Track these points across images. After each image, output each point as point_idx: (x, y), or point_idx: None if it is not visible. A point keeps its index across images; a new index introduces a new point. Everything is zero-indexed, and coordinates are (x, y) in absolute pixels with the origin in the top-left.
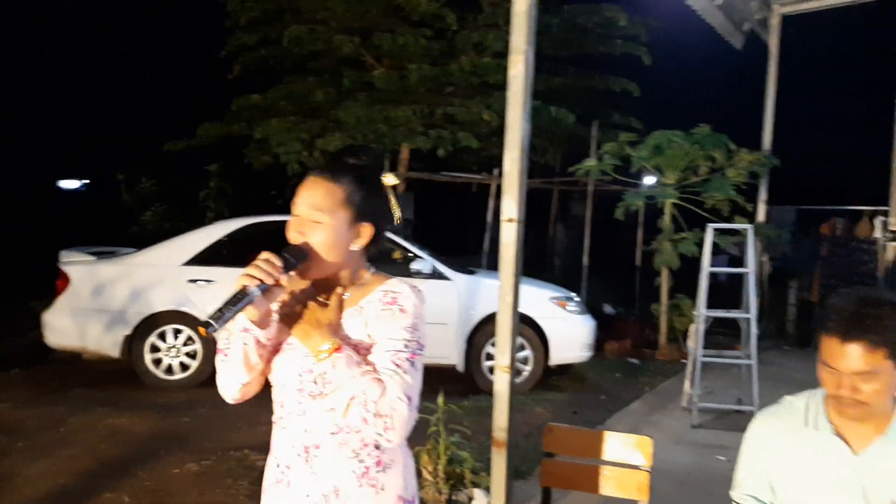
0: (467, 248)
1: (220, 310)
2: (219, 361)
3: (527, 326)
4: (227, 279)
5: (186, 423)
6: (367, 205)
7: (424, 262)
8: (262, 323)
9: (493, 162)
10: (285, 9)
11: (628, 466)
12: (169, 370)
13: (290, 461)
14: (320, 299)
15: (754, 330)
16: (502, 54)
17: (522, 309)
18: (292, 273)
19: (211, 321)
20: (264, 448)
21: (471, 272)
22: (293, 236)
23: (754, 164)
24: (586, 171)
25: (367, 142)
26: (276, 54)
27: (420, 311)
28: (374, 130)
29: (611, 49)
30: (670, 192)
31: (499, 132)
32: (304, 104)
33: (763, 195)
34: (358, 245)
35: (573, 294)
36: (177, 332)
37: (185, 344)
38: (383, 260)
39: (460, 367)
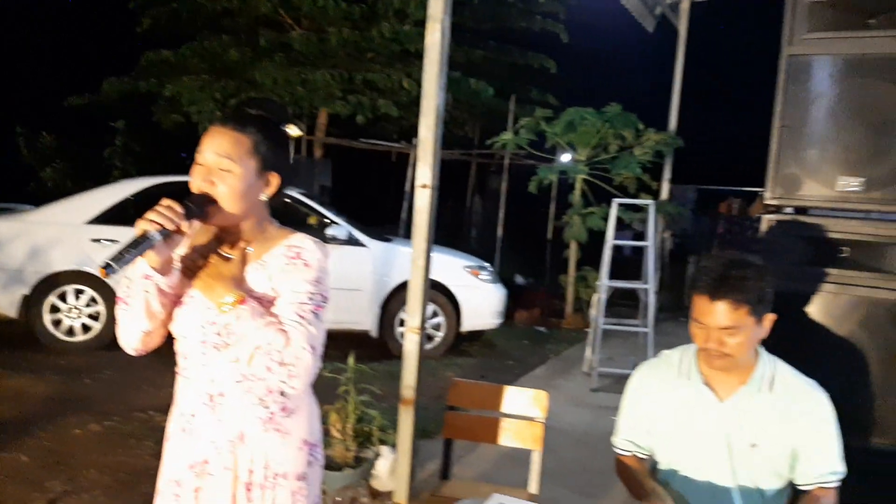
0: (385, 217)
1: (119, 252)
2: (119, 310)
3: (440, 294)
4: None
5: (89, 384)
6: (274, 155)
7: (340, 228)
8: (163, 269)
9: (413, 131)
10: None
11: (525, 419)
12: (70, 332)
13: (195, 409)
14: (223, 253)
15: (652, 299)
16: (423, 23)
17: (437, 277)
18: (195, 221)
19: (111, 262)
20: (167, 409)
21: (387, 240)
22: (199, 185)
23: (660, 144)
24: (503, 144)
25: (285, 104)
26: (190, 9)
27: (324, 265)
28: (291, 93)
29: (530, 25)
30: (581, 168)
31: (418, 101)
32: (217, 63)
33: (667, 174)
34: (266, 195)
35: (486, 264)
36: (78, 293)
37: (87, 305)
38: (299, 224)
39: (374, 332)
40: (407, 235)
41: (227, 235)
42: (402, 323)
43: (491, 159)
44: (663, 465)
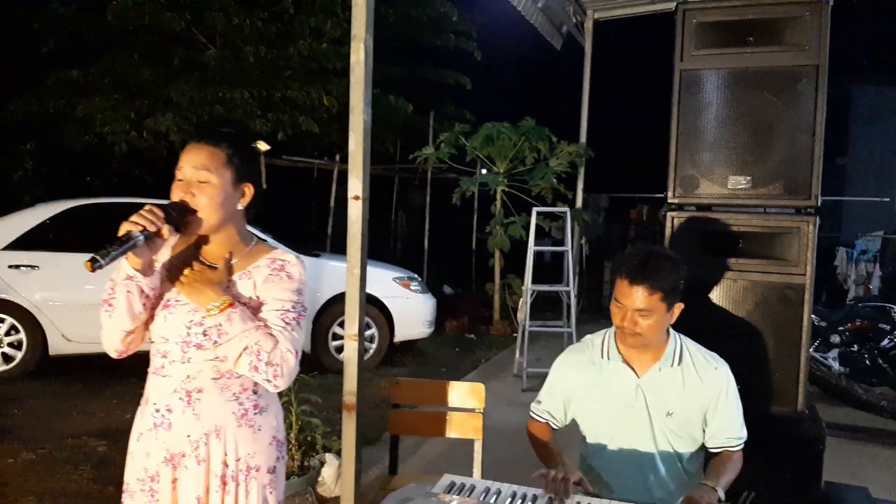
0: (308, 233)
1: (105, 249)
2: (103, 313)
3: (372, 306)
4: (53, 264)
5: (16, 414)
6: (247, 166)
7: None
8: (144, 271)
9: (334, 147)
10: None
11: (465, 410)
12: None
13: (172, 405)
14: (207, 262)
15: (573, 301)
16: (340, 41)
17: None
18: (175, 228)
19: (97, 257)
20: (102, 435)
21: (316, 255)
22: (179, 197)
23: (573, 155)
24: (425, 158)
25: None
26: (96, 28)
27: (304, 278)
28: (208, 112)
29: (444, 42)
30: (500, 180)
31: (339, 118)
32: (128, 82)
33: (580, 183)
34: (242, 204)
35: (415, 275)
36: None
37: (7, 334)
38: None
39: (306, 347)
40: (333, 250)
41: (207, 244)
42: (335, 337)
43: (413, 173)
44: (591, 438)
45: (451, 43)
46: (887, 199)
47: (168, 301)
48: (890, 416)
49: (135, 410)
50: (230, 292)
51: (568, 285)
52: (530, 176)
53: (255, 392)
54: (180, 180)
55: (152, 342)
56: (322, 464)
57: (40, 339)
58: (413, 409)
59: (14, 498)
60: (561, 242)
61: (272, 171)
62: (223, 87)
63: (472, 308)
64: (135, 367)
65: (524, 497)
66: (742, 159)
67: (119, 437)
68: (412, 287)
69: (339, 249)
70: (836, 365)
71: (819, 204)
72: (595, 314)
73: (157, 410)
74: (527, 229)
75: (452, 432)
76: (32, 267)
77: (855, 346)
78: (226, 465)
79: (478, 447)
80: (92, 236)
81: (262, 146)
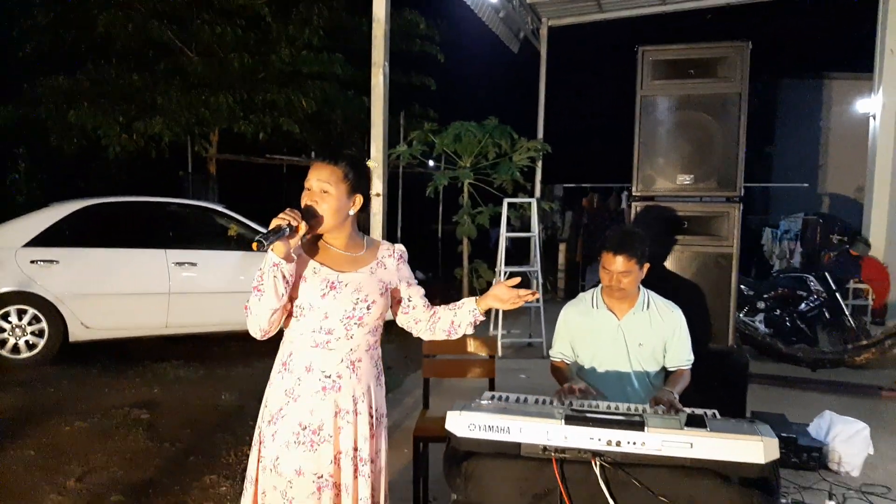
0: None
1: (265, 236)
2: (252, 298)
3: None
4: (71, 259)
5: (53, 392)
6: (359, 181)
7: None
8: (287, 257)
9: (307, 146)
10: None
11: (480, 358)
12: (15, 349)
13: (341, 372)
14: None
15: (540, 279)
16: (320, 49)
17: None
18: (307, 225)
19: (262, 240)
20: (141, 405)
21: None
22: (306, 203)
23: (532, 151)
24: (398, 154)
25: (189, 126)
26: (76, 35)
27: None
28: (195, 115)
29: (410, 47)
30: (468, 174)
31: (312, 118)
32: (113, 88)
33: (538, 175)
34: (353, 210)
35: None
36: (21, 313)
37: (30, 323)
38: (221, 234)
39: None
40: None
41: (327, 240)
42: None
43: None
44: (586, 364)
45: (416, 47)
46: (806, 185)
47: (333, 283)
48: (805, 365)
49: (156, 388)
50: (376, 277)
51: (535, 266)
52: (496, 171)
53: (379, 359)
54: (308, 189)
55: (299, 322)
56: None
57: (61, 328)
58: (440, 357)
59: (84, 457)
60: (519, 230)
61: (237, 169)
62: (205, 92)
63: (443, 291)
64: (144, 351)
65: (545, 401)
66: (687, 162)
67: (155, 408)
68: None
69: None
70: (762, 327)
71: (742, 194)
72: (552, 293)
73: (329, 377)
74: (493, 218)
75: (472, 374)
76: (52, 262)
77: (778, 310)
78: (371, 416)
79: (488, 385)
80: (105, 232)
81: (372, 164)
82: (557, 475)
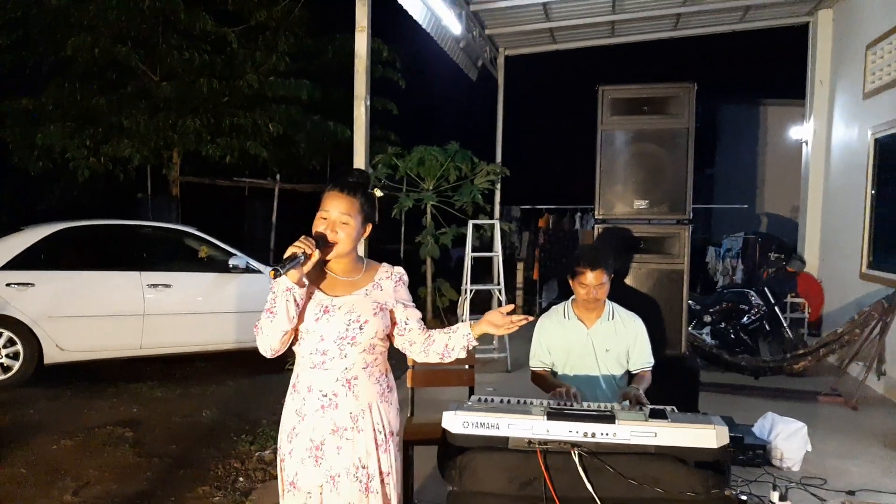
0: (243, 247)
1: (281, 264)
2: (265, 319)
3: None
4: (46, 281)
5: (33, 413)
6: (371, 211)
7: (239, 258)
8: (299, 283)
9: (270, 168)
10: (48, 10)
11: (460, 368)
12: None
13: (337, 390)
14: (337, 276)
15: (503, 297)
16: (287, 74)
17: None
18: (318, 251)
19: (279, 269)
20: (123, 424)
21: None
22: (322, 231)
23: (491, 174)
24: None
25: (158, 148)
26: (39, 57)
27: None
28: (164, 138)
29: (373, 73)
30: (431, 196)
31: (276, 140)
32: (77, 110)
33: (497, 197)
34: (364, 237)
35: None
36: None
37: (5, 346)
38: (192, 255)
39: None
40: (276, 262)
41: (333, 266)
42: None
43: None
44: (559, 369)
45: (378, 73)
46: (746, 206)
47: (327, 307)
48: (749, 373)
49: (134, 407)
50: (371, 298)
51: (499, 284)
52: (458, 193)
53: (385, 376)
54: (324, 218)
55: (301, 345)
56: None
57: (36, 350)
58: (423, 368)
59: (76, 472)
60: (479, 250)
61: (209, 190)
62: (172, 115)
63: None
64: (117, 372)
65: (526, 401)
66: (642, 188)
67: (138, 425)
68: None
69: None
70: (708, 339)
71: (691, 216)
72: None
73: (325, 395)
74: (455, 239)
75: (453, 383)
76: (27, 284)
77: (722, 323)
78: (377, 432)
79: (471, 393)
80: (79, 255)
81: (379, 193)
82: (542, 464)
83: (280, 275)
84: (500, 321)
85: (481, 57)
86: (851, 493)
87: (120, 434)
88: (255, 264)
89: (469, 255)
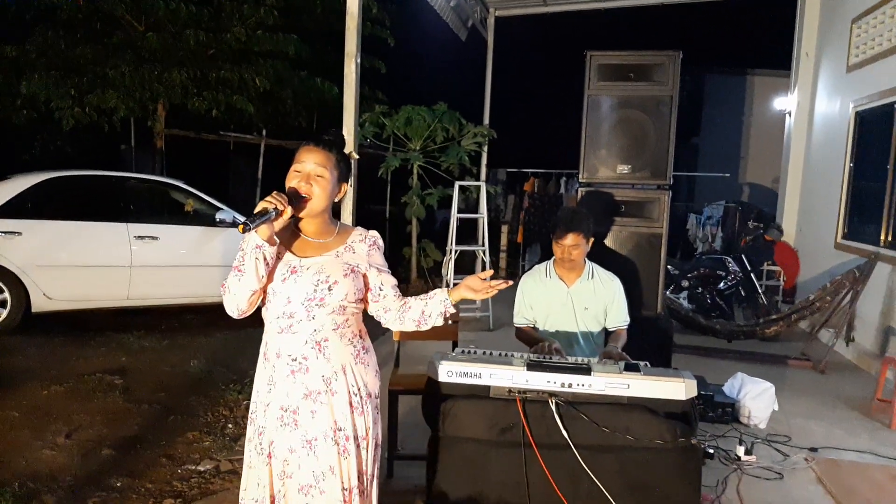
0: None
1: (251, 219)
2: (232, 277)
3: None
4: (34, 231)
5: (21, 360)
6: (346, 171)
7: (226, 212)
8: (270, 240)
9: (256, 124)
10: None
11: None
12: None
13: (306, 353)
14: (309, 238)
15: (487, 258)
16: (275, 28)
17: None
18: (292, 209)
19: (248, 223)
20: (112, 372)
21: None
22: (295, 185)
23: (478, 136)
24: None
25: (144, 100)
26: (21, 5)
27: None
28: (149, 90)
29: (362, 30)
30: (417, 157)
31: (263, 96)
32: (63, 59)
33: (484, 160)
34: (338, 197)
35: None
36: None
37: None
38: (179, 209)
39: None
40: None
41: (306, 225)
42: None
43: None
44: (541, 326)
45: (366, 30)
46: (728, 175)
47: (295, 268)
48: (722, 337)
49: (123, 356)
50: (342, 260)
51: (483, 245)
52: (445, 155)
53: (360, 338)
54: (298, 171)
55: (268, 309)
56: None
57: (24, 299)
58: None
59: (67, 417)
60: (464, 212)
61: (194, 144)
62: (158, 67)
63: (391, 270)
64: (105, 322)
65: (507, 354)
66: (625, 154)
67: (127, 374)
68: None
69: None
70: (685, 303)
71: (671, 182)
72: (496, 270)
73: (295, 360)
74: (441, 200)
75: (437, 336)
76: (15, 233)
77: (699, 288)
78: (352, 394)
79: (454, 347)
80: (67, 205)
81: (355, 155)
82: (521, 412)
83: (249, 229)
84: (478, 286)
85: (471, 17)
86: (814, 449)
87: (109, 381)
88: (241, 219)
89: (455, 216)
